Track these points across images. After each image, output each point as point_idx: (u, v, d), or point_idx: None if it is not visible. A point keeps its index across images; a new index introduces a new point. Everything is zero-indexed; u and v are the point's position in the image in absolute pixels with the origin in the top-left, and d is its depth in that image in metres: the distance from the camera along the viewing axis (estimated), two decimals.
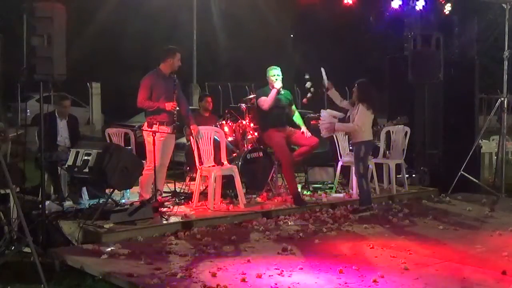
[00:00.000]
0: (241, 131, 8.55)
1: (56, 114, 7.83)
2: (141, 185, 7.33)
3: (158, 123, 7.10)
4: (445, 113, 9.74)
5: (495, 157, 10.46)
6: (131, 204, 6.89)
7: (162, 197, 7.47)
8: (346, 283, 4.77)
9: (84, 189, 7.59)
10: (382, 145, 8.89)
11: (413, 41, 9.51)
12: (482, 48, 16.47)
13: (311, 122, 9.13)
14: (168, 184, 8.06)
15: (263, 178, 8.31)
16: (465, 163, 9.04)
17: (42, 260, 4.98)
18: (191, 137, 7.53)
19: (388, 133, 9.03)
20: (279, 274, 4.97)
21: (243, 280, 4.80)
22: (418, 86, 9.62)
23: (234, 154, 8.31)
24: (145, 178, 7.21)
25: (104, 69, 23.12)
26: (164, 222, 6.59)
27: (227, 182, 7.70)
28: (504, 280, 4.91)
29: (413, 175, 9.51)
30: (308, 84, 8.30)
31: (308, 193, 8.50)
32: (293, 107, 8.18)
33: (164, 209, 6.99)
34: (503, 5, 9.20)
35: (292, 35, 31.37)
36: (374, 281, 4.79)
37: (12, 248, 5.35)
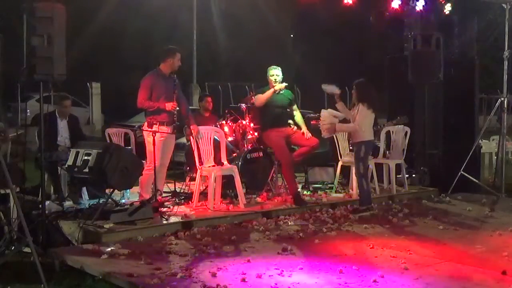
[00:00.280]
0: (241, 131, 8.55)
1: (57, 114, 7.84)
2: (141, 185, 7.33)
3: (158, 123, 7.10)
4: (445, 113, 9.74)
5: (495, 157, 10.46)
6: (131, 204, 6.89)
7: (162, 197, 7.47)
8: (346, 283, 4.77)
9: (84, 189, 7.59)
10: (382, 145, 8.89)
11: (413, 41, 9.50)
12: (482, 48, 16.48)
13: (311, 122, 9.14)
14: (168, 184, 8.06)
15: (263, 178, 8.32)
16: (465, 163, 9.03)
17: (42, 260, 4.98)
18: (191, 137, 7.52)
19: (388, 133, 9.03)
20: (279, 274, 4.97)
21: (243, 280, 4.80)
22: (418, 86, 9.62)
23: (234, 154, 8.31)
24: (145, 178, 7.21)
25: (104, 69, 23.12)
26: (164, 222, 6.59)
27: (227, 182, 7.70)
28: (504, 280, 4.91)
29: (413, 175, 9.51)
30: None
31: (308, 193, 8.50)
32: (294, 107, 8.17)
33: (164, 209, 6.99)
34: (503, 5, 9.20)
35: (292, 35, 31.38)
36: (374, 281, 4.79)
37: (12, 248, 5.35)
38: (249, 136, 8.48)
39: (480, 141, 9.85)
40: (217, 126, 8.29)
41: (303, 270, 5.11)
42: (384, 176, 8.82)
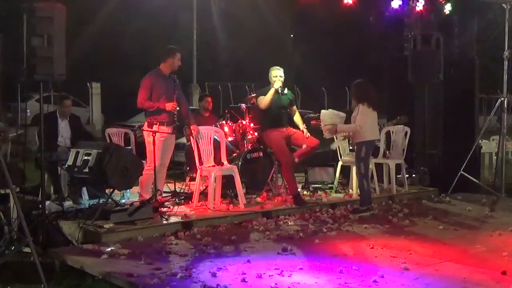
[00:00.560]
0: (241, 131, 8.55)
1: (57, 114, 7.84)
2: (141, 185, 7.33)
3: (158, 123, 7.10)
4: (445, 113, 9.73)
5: (495, 157, 10.46)
6: (131, 204, 6.89)
7: (162, 197, 7.47)
8: (346, 283, 4.77)
9: (84, 189, 7.60)
10: (382, 145, 8.89)
11: (413, 41, 9.50)
12: (482, 48, 16.48)
13: (312, 122, 9.14)
14: (168, 184, 8.06)
15: (263, 178, 8.32)
16: (465, 163, 9.03)
17: (42, 260, 4.97)
18: (191, 137, 7.52)
19: (388, 133, 9.03)
20: (279, 274, 4.97)
21: (243, 280, 4.80)
22: (418, 86, 9.62)
23: (234, 154, 8.31)
24: (145, 178, 7.21)
25: (104, 69, 23.13)
26: (164, 222, 6.59)
27: (227, 182, 7.70)
28: (504, 280, 4.91)
29: (413, 175, 9.51)
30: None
31: (308, 193, 8.50)
32: (294, 107, 8.17)
33: (164, 209, 6.99)
34: (503, 5, 9.20)
35: (292, 35, 31.38)
36: (374, 281, 4.79)
37: (12, 248, 5.34)
38: (249, 136, 8.48)
39: (480, 141, 9.85)
40: (217, 126, 8.29)
41: (303, 270, 5.11)
42: (384, 176, 8.82)
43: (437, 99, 9.70)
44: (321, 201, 8.04)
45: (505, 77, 9.25)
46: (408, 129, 9.00)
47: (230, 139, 8.51)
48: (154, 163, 6.95)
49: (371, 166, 8.39)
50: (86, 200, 7.50)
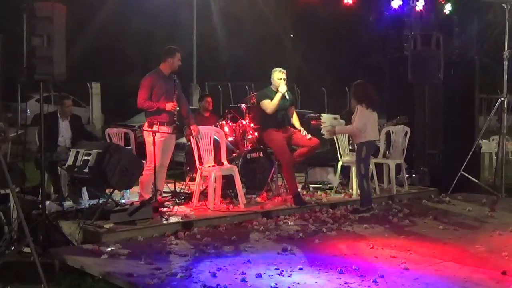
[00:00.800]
0: (241, 131, 8.55)
1: (58, 114, 7.84)
2: (141, 185, 7.34)
3: (158, 123, 7.10)
4: (445, 113, 9.74)
5: (495, 157, 10.46)
6: (131, 204, 6.89)
7: (162, 197, 7.47)
8: (346, 283, 4.77)
9: (84, 189, 7.60)
10: (382, 145, 8.89)
11: (413, 41, 9.51)
12: (482, 48, 16.48)
13: (312, 122, 9.14)
14: (168, 184, 8.07)
15: (263, 178, 8.32)
16: (465, 163, 9.03)
17: (42, 260, 4.96)
18: (191, 137, 7.52)
19: (388, 133, 9.04)
20: (279, 274, 4.97)
21: (243, 280, 4.80)
22: (418, 86, 9.62)
23: (234, 154, 8.31)
24: (145, 178, 7.21)
25: (104, 69, 23.13)
26: (164, 222, 6.59)
27: (227, 182, 7.70)
28: (504, 280, 4.91)
29: (413, 175, 9.51)
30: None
31: (308, 193, 8.50)
32: (292, 107, 8.15)
33: (164, 209, 6.99)
34: (503, 5, 9.20)
35: (292, 35, 31.38)
36: (374, 281, 4.79)
37: (12, 248, 5.35)
38: (249, 136, 8.48)
39: (480, 141, 9.85)
40: (217, 126, 8.29)
41: (303, 270, 5.11)
42: (384, 176, 8.83)
43: (437, 99, 9.71)
44: (321, 201, 8.04)
45: (505, 77, 9.25)
46: (408, 129, 9.00)
47: (230, 139, 8.51)
48: (154, 163, 6.95)
49: (371, 166, 8.40)
50: (86, 200, 7.50)
